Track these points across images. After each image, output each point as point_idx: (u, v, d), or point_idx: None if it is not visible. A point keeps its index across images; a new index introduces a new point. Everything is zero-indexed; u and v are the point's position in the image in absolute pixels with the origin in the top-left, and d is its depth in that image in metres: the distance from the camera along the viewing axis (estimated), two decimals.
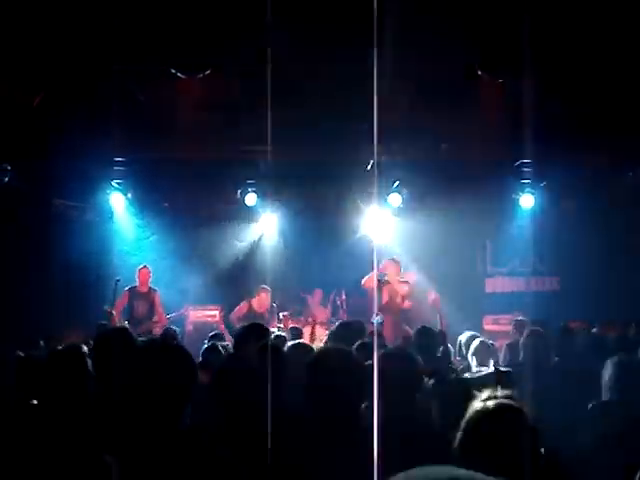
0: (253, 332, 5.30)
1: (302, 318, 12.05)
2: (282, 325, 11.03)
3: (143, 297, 11.13)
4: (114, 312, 10.41)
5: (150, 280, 11.23)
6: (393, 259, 11.52)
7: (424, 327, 6.65)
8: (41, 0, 7.97)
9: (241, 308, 11.51)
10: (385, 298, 11.23)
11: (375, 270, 11.17)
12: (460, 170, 11.44)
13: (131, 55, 9.07)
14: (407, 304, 11.25)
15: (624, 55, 8.82)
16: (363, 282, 11.37)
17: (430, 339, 6.12)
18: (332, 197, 12.27)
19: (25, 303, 10.35)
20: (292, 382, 3.99)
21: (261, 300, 11.46)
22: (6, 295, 10.11)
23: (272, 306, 11.55)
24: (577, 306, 10.86)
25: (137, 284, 11.19)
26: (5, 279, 10.25)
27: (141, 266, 11.31)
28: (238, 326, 10.77)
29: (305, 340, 10.83)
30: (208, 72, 9.63)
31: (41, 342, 7.78)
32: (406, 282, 11.41)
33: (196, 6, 8.40)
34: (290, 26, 8.56)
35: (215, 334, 7.78)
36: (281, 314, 11.30)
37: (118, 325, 9.65)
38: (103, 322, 9.51)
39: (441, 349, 6.40)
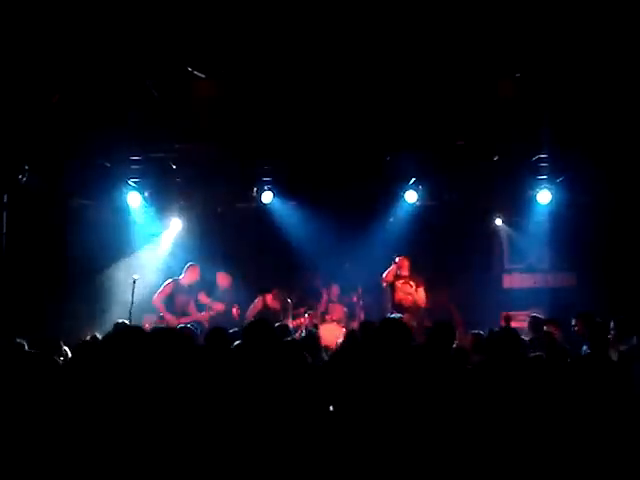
0: (260, 328, 5.33)
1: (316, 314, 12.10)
2: (304, 321, 11.07)
3: (185, 292, 11.30)
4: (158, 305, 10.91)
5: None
6: (406, 256, 11.55)
7: (439, 323, 6.63)
8: (59, 1, 8.00)
9: (256, 305, 11.53)
10: (398, 295, 11.27)
11: (394, 265, 11.24)
12: (477, 166, 11.40)
13: (148, 54, 9.10)
14: (422, 302, 11.26)
15: None
16: (384, 276, 11.41)
17: (445, 335, 6.08)
18: (348, 194, 12.25)
19: (42, 301, 10.40)
20: None
21: (276, 296, 11.47)
22: (23, 293, 10.17)
23: (287, 302, 11.57)
24: (594, 302, 10.80)
25: (181, 278, 11.38)
26: (22, 277, 10.31)
27: (193, 264, 11.51)
28: None
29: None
30: (225, 70, 9.66)
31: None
32: (419, 279, 11.43)
33: (214, 6, 8.42)
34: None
35: (234, 332, 7.73)
36: (307, 313, 11.29)
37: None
38: (121, 320, 9.55)
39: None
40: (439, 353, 5.13)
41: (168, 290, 11.20)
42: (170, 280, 11.32)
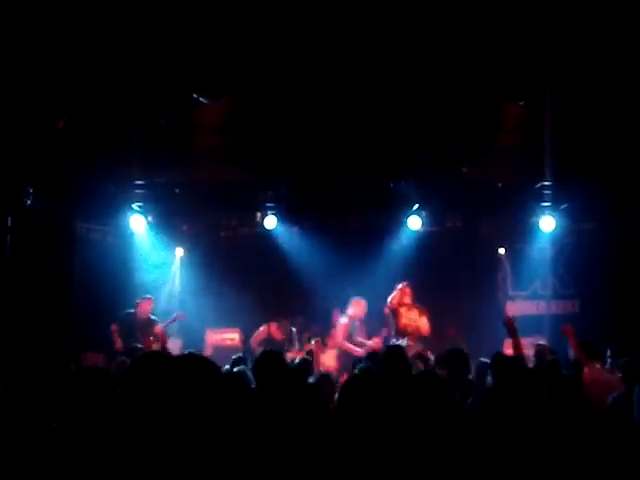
0: (273, 359, 5.32)
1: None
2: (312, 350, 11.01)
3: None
4: None
5: None
6: (407, 284, 11.56)
7: (455, 349, 6.62)
8: (65, 24, 8.04)
9: (260, 333, 11.48)
10: (402, 321, 11.25)
11: (398, 291, 11.24)
12: (481, 193, 11.43)
13: (153, 79, 9.14)
14: (425, 330, 11.24)
15: None
16: (389, 302, 11.41)
17: (461, 362, 6.07)
18: (351, 219, 12.28)
19: (47, 324, 10.38)
20: None
21: (281, 326, 11.45)
22: (28, 317, 10.14)
23: (291, 331, 11.56)
24: (598, 329, 10.79)
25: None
26: (27, 301, 10.29)
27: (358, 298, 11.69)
28: (258, 350, 10.88)
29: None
30: (229, 96, 9.71)
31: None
32: (423, 308, 11.43)
33: (218, 31, 8.47)
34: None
35: (238, 357, 7.72)
36: (312, 341, 11.23)
37: None
38: (138, 345, 9.57)
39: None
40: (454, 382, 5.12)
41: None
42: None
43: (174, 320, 11.13)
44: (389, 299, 11.43)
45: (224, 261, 12.79)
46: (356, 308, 11.59)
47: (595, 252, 11.91)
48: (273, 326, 11.44)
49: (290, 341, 11.40)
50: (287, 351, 11.04)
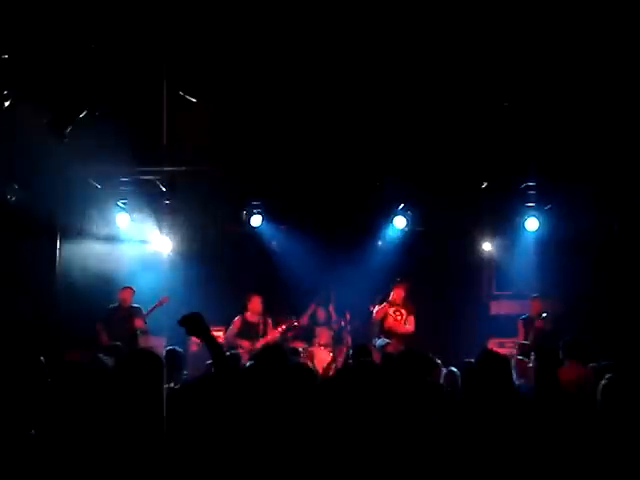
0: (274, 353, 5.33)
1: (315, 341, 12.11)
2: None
3: None
4: None
5: None
6: (401, 282, 11.58)
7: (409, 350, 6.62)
8: (54, 22, 8.03)
9: (235, 323, 11.48)
10: (388, 322, 11.28)
11: (386, 302, 11.24)
12: (465, 193, 11.46)
13: (141, 77, 9.13)
14: (410, 328, 11.30)
15: (630, 83, 8.87)
16: (375, 312, 11.41)
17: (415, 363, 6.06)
18: (338, 218, 12.29)
19: (29, 322, 10.33)
20: None
21: (253, 307, 11.45)
22: (11, 314, 10.10)
23: (266, 316, 11.56)
24: (582, 329, 10.83)
25: None
26: (10, 296, 10.25)
27: None
28: (235, 343, 10.86)
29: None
30: (217, 96, 9.72)
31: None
32: (411, 308, 11.46)
33: (205, 32, 8.48)
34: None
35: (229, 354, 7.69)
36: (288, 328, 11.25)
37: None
38: (117, 343, 9.52)
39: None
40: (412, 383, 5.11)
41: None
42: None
43: (159, 304, 11.07)
44: (375, 311, 11.43)
45: (209, 259, 12.76)
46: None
47: (579, 252, 11.95)
48: (247, 313, 11.47)
49: (266, 325, 11.42)
50: (261, 337, 11.21)
